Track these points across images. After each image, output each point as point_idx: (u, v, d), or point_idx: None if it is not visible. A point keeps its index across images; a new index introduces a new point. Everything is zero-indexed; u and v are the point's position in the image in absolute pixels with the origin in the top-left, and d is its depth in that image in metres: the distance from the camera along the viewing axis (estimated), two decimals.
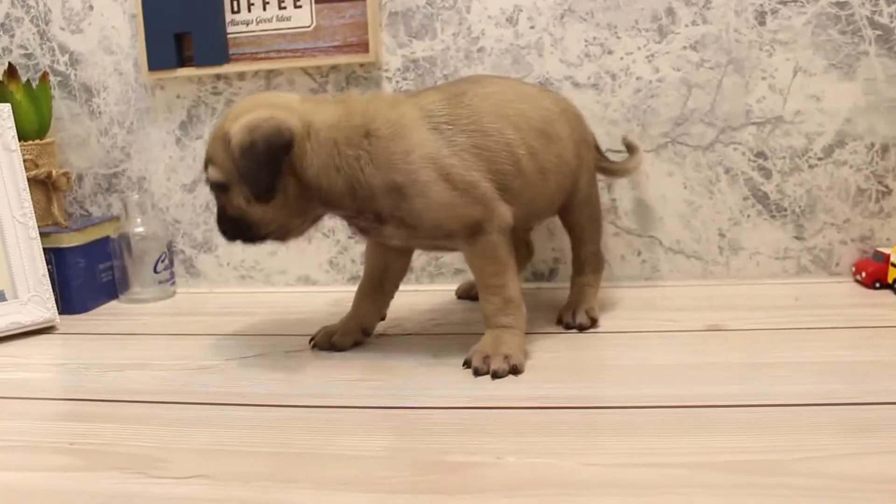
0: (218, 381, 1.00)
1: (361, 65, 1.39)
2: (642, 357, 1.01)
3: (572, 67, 1.35)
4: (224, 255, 1.49)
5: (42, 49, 1.50)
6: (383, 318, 1.14)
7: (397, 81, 1.39)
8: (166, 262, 1.44)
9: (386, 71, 1.39)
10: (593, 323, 1.14)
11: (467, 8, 1.35)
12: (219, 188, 0.98)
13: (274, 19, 1.40)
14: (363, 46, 1.37)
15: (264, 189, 0.93)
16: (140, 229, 1.42)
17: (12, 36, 1.51)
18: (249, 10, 1.41)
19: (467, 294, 1.35)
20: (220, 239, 1.39)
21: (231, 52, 1.42)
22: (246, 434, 0.83)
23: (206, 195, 1.47)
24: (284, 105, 0.96)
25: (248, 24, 1.41)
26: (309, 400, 0.92)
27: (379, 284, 1.11)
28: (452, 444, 0.78)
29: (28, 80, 1.41)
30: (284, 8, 1.40)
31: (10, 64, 1.40)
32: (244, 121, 0.92)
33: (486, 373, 0.93)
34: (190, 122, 1.47)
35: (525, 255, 1.34)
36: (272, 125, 0.91)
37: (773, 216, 1.35)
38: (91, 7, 1.46)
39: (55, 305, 1.30)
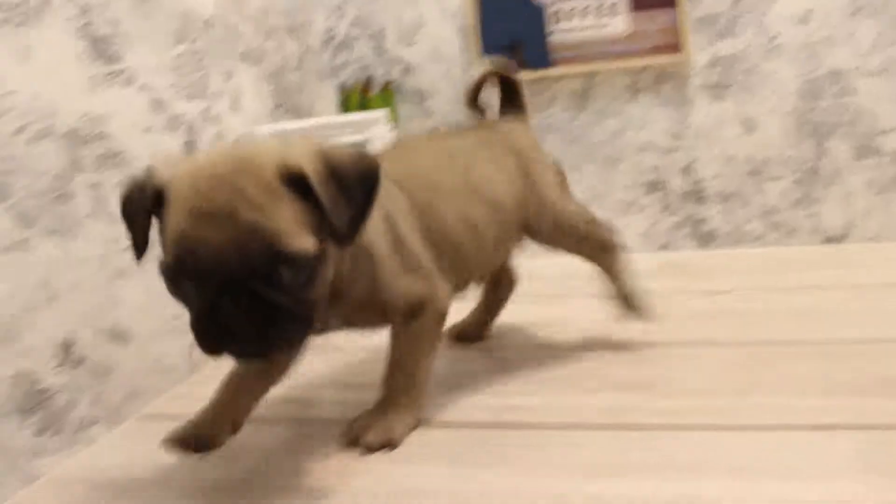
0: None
1: (671, 63, 1.63)
2: None
3: (862, 58, 1.59)
4: None
5: (378, 61, 1.74)
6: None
7: (703, 76, 1.64)
8: None
9: (693, 68, 1.64)
10: None
11: (765, 11, 1.59)
12: (312, 263, 0.67)
13: (592, 27, 1.65)
14: (674, 48, 1.61)
15: (360, 224, 0.70)
16: None
17: (351, 51, 1.75)
18: (570, 20, 1.65)
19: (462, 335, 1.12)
20: None
21: (553, 56, 1.66)
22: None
23: None
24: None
25: (569, 32, 1.66)
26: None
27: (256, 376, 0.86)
28: None
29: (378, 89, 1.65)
30: (602, 17, 1.64)
31: (368, 78, 1.64)
32: (321, 149, 0.68)
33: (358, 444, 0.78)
34: None
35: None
36: (362, 153, 0.73)
37: None
38: (423, 23, 1.70)
39: None
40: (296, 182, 0.67)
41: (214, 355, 0.67)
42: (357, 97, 1.61)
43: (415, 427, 0.83)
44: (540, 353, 1.12)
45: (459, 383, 1.02)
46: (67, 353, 0.93)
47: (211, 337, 0.67)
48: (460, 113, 1.73)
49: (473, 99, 1.00)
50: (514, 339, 1.19)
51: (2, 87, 0.87)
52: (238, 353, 0.69)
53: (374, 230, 0.79)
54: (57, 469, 0.93)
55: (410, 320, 0.82)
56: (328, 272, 0.71)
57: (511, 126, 1.00)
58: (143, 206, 0.70)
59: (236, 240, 0.65)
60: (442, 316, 0.84)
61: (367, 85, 1.61)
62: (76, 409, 0.95)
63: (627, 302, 1.01)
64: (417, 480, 0.80)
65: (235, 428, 0.84)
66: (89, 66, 0.99)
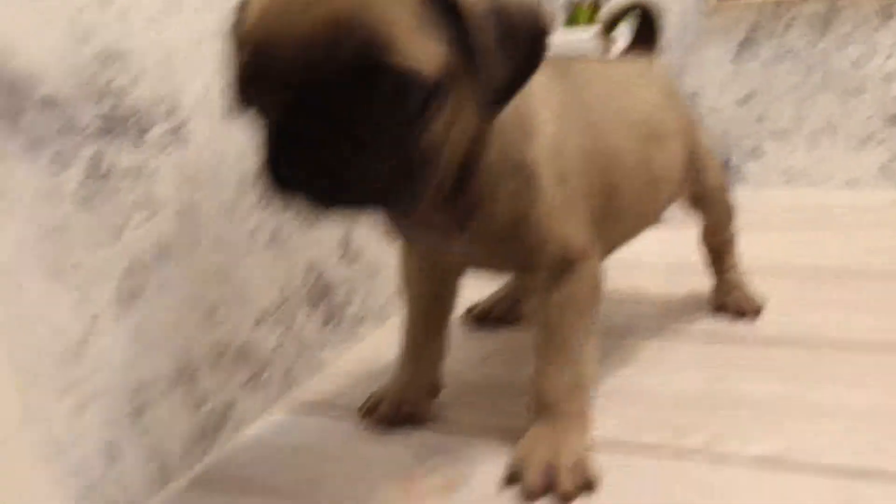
0: None
1: None
2: None
3: None
4: (771, 161, 1.65)
5: None
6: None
7: None
8: (728, 167, 1.60)
9: None
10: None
11: None
12: (425, 91, 0.50)
13: None
14: None
15: (515, 90, 0.54)
16: None
17: None
18: None
19: (486, 314, 1.00)
20: (769, 145, 1.55)
21: None
22: None
23: (760, 107, 1.62)
24: None
25: None
26: None
27: (436, 319, 0.78)
28: None
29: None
30: None
31: (596, 2, 1.57)
32: None
33: (547, 492, 0.62)
34: (747, 42, 1.62)
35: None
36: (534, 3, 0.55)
37: None
38: None
39: None
40: (442, 3, 0.49)
41: (283, 193, 0.50)
42: (586, 14, 1.55)
43: (590, 447, 0.65)
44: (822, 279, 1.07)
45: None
46: (347, 248, 0.93)
47: (281, 163, 0.49)
48: (688, 36, 1.65)
49: (611, 27, 0.95)
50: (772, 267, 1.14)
51: None
52: (314, 190, 0.49)
53: (541, 149, 0.62)
54: (339, 361, 0.93)
55: (561, 277, 0.64)
56: (448, 127, 0.53)
57: (659, 65, 0.90)
58: (239, 20, 0.54)
59: (324, 27, 0.46)
60: (598, 284, 0.67)
61: (597, 2, 1.55)
62: (351, 306, 0.94)
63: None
64: (751, 390, 0.77)
65: (435, 392, 0.78)
66: None
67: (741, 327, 0.90)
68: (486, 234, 0.62)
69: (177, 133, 0.70)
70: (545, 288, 0.65)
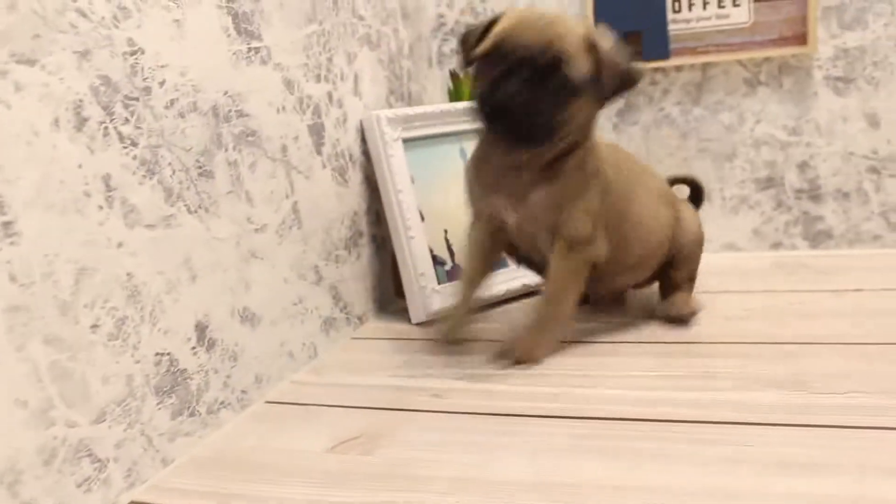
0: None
1: (794, 56, 1.57)
2: None
3: None
4: None
5: None
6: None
7: (827, 69, 1.57)
8: None
9: (817, 60, 1.57)
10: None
11: None
12: (573, 88, 0.97)
13: (713, 17, 1.59)
14: (799, 39, 1.55)
15: (608, 101, 1.02)
16: None
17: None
18: (690, 10, 1.59)
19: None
20: None
21: (672, 47, 1.61)
22: None
23: None
24: None
25: (688, 22, 1.60)
26: None
27: (482, 273, 1.20)
28: None
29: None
30: (723, 7, 1.58)
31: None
32: (617, 46, 1.01)
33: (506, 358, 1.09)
34: (627, 109, 1.67)
35: None
36: (637, 67, 1.02)
37: None
38: None
39: None
40: (593, 48, 0.97)
41: (489, 118, 0.98)
42: (469, 87, 1.57)
43: (555, 349, 1.10)
44: (679, 350, 1.09)
45: (619, 377, 1.00)
46: (202, 334, 0.92)
47: (495, 93, 0.96)
48: None
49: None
50: (656, 336, 1.16)
51: (157, 60, 0.85)
52: (505, 120, 0.97)
53: (590, 183, 1.05)
54: (192, 450, 0.91)
55: (569, 252, 1.05)
56: (576, 114, 0.98)
57: (689, 205, 1.30)
58: (477, 30, 1.03)
59: (543, 41, 0.94)
60: (591, 259, 1.08)
61: (455, 76, 1.58)
62: (209, 392, 0.93)
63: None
64: (584, 475, 0.77)
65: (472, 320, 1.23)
66: (231, 42, 0.97)
67: (575, 404, 0.91)
68: (538, 206, 1.04)
69: (6, 230, 0.69)
70: (559, 255, 1.06)
